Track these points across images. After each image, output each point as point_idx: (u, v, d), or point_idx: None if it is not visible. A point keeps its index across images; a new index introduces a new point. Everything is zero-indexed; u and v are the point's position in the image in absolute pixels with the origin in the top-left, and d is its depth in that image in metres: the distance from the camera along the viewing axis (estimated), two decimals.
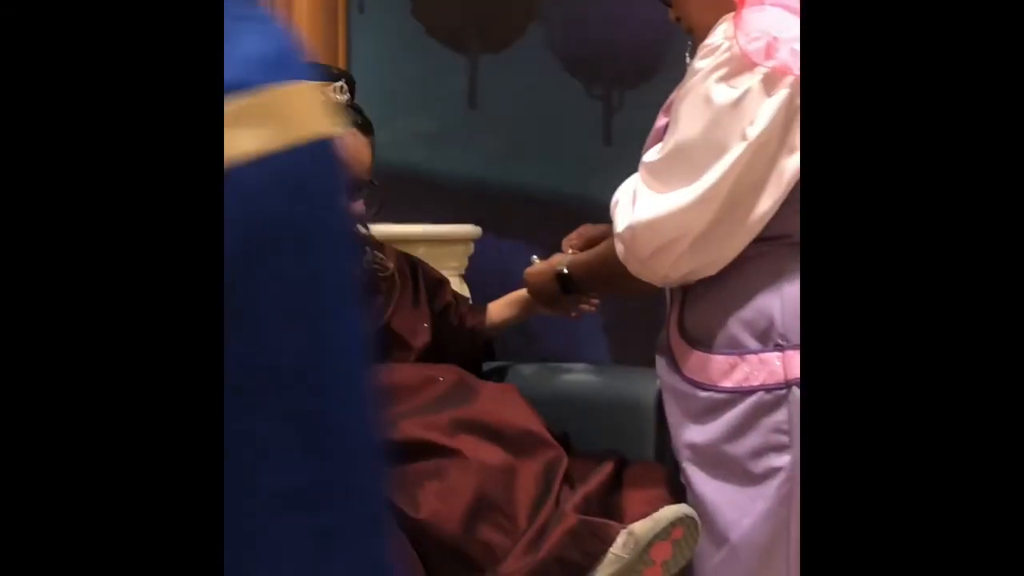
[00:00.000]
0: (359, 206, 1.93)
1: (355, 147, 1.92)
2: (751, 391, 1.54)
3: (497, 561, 1.54)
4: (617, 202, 1.62)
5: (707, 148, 1.50)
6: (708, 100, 1.51)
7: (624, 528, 1.55)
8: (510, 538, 1.56)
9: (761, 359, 1.54)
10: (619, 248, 1.60)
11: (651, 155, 1.58)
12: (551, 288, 1.83)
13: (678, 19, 1.71)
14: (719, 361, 1.57)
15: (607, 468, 1.65)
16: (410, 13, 2.55)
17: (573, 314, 1.93)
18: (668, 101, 1.66)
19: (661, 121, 1.66)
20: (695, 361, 1.60)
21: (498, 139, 2.99)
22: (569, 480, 1.65)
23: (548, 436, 1.71)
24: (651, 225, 1.54)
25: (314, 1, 2.56)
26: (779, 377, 1.53)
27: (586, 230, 1.88)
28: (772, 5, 1.62)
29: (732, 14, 1.54)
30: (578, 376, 1.95)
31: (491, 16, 3.02)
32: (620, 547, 1.54)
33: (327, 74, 1.96)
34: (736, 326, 1.57)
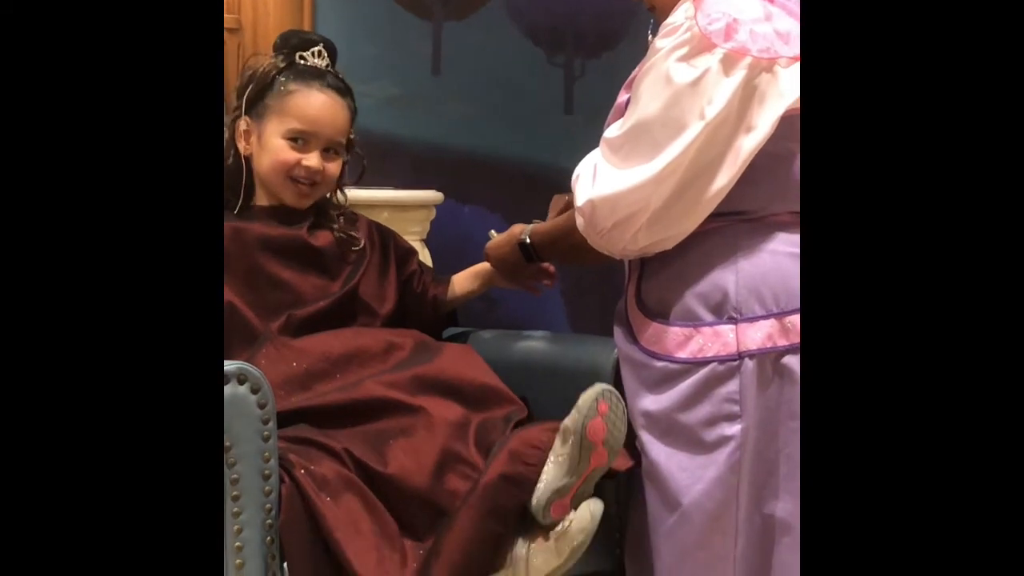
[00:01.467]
0: (338, 169, 1.94)
1: (334, 111, 1.92)
2: (705, 362, 1.57)
3: (457, 499, 1.57)
4: (578, 176, 1.64)
5: (666, 126, 1.53)
6: (668, 79, 1.53)
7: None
8: (474, 484, 1.58)
9: (715, 331, 1.58)
10: (579, 221, 1.62)
11: (612, 131, 1.61)
12: (513, 258, 1.85)
13: None
14: (675, 332, 1.61)
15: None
16: None
17: (533, 289, 1.95)
18: (630, 77, 1.68)
19: (622, 97, 1.68)
20: (651, 332, 1.63)
21: (461, 105, 3.00)
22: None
23: (508, 392, 1.74)
24: (610, 200, 1.57)
25: None
26: (732, 349, 1.56)
27: (557, 201, 1.91)
28: None
29: None
30: (537, 344, 1.96)
31: None
32: (558, 445, 1.57)
33: (304, 39, 1.96)
34: (692, 299, 1.60)
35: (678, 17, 1.56)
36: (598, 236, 1.61)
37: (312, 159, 1.89)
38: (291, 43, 1.94)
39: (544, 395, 1.83)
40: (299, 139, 1.89)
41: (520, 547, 1.57)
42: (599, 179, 1.59)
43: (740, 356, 1.56)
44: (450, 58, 3.03)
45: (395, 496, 1.58)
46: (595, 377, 1.76)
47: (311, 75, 1.91)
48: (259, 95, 1.89)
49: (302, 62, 1.91)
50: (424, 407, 1.65)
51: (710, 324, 1.58)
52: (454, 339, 2.02)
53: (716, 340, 1.57)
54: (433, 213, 2.80)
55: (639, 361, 1.64)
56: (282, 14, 2.77)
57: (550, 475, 1.56)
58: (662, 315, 1.63)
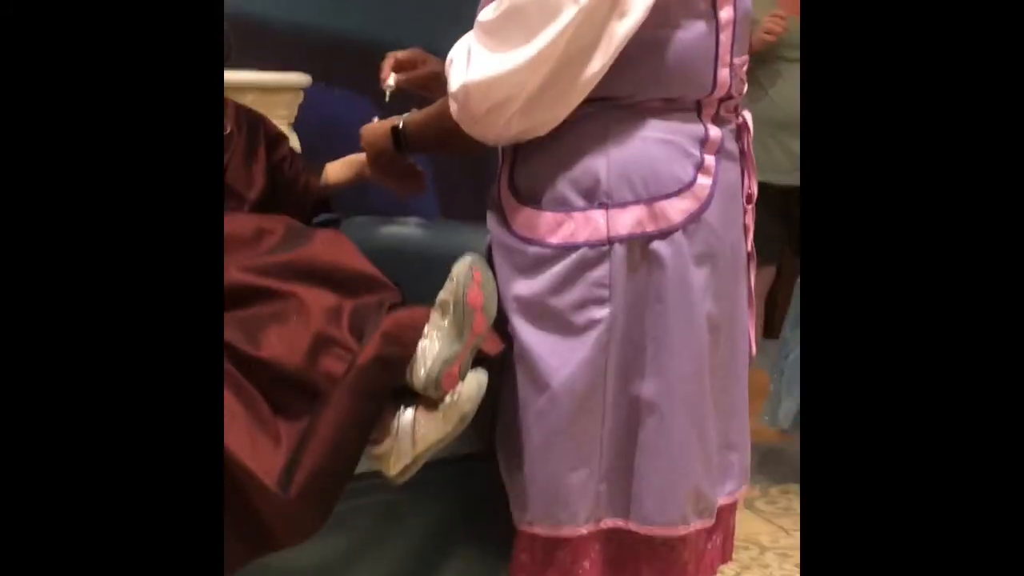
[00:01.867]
0: None
1: None
2: (575, 247, 1.59)
3: (333, 382, 1.58)
4: (451, 61, 1.62)
5: (541, 9, 1.51)
6: None
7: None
8: (349, 365, 1.59)
9: (586, 216, 1.59)
10: (453, 107, 1.61)
11: (486, 14, 1.58)
12: (384, 144, 1.83)
13: None
14: (547, 217, 1.62)
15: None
16: None
17: (401, 190, 1.92)
18: None
19: None
20: (524, 217, 1.64)
21: None
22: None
23: (382, 277, 1.74)
24: (484, 84, 1.55)
25: None
26: (602, 234, 1.58)
27: (417, 55, 1.88)
28: None
29: None
30: (410, 231, 1.96)
31: None
32: (438, 318, 1.59)
33: None
34: (564, 184, 1.61)
35: None
36: (472, 122, 1.59)
37: None
38: None
39: (417, 282, 1.83)
40: None
41: (405, 416, 1.59)
42: (473, 63, 1.57)
43: (610, 242, 1.58)
44: None
45: (267, 379, 1.57)
46: None
47: None
48: None
49: None
50: (296, 293, 1.64)
51: (581, 209, 1.60)
52: (326, 225, 2.00)
53: (587, 226, 1.59)
54: (301, 97, 2.73)
55: (511, 246, 1.65)
56: None
57: (437, 347, 1.57)
58: (534, 200, 1.64)
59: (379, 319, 1.63)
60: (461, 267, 1.58)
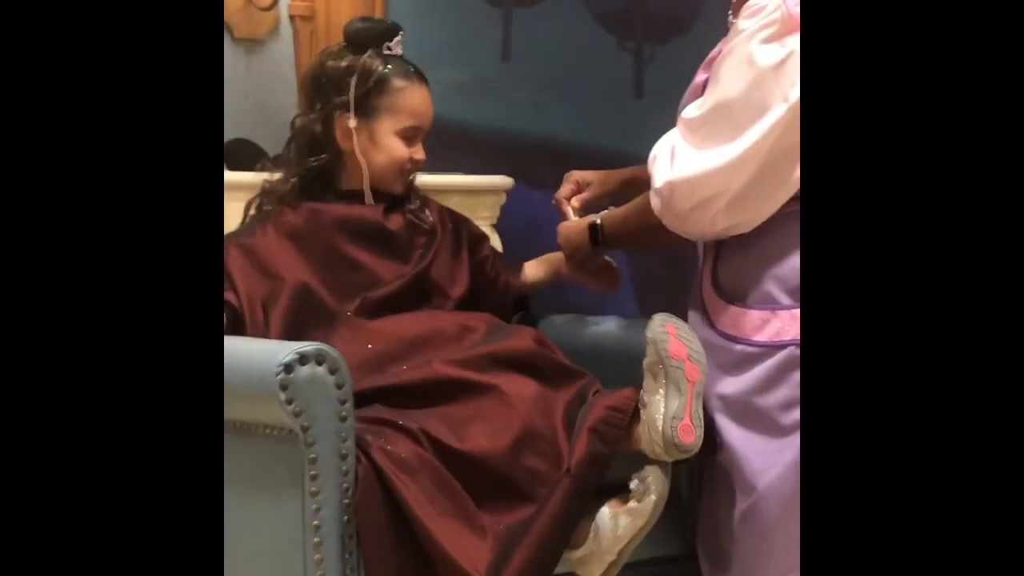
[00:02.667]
0: (420, 154, 1.96)
1: (430, 103, 1.95)
2: (782, 345, 1.57)
3: (540, 483, 1.59)
4: (655, 157, 1.63)
5: (748, 108, 1.52)
6: (751, 60, 1.52)
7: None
8: (553, 462, 1.60)
9: (793, 315, 1.57)
10: (655, 203, 1.62)
11: (691, 111, 1.60)
12: (581, 240, 1.85)
13: None
14: (752, 316, 1.60)
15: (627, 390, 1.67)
16: None
17: (598, 285, 1.94)
18: (709, 57, 1.66)
19: (701, 77, 1.67)
20: (729, 315, 1.62)
21: (531, 91, 3.00)
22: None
23: (581, 369, 1.74)
24: (690, 182, 1.56)
25: None
26: None
27: (577, 176, 1.91)
28: None
29: None
30: (606, 329, 1.96)
31: None
32: (651, 384, 1.57)
33: (386, 28, 1.98)
34: (770, 282, 1.59)
35: None
36: (676, 218, 1.60)
37: (419, 151, 1.95)
38: (374, 32, 1.95)
39: (615, 380, 1.83)
40: (411, 136, 1.93)
41: (602, 515, 1.58)
42: (678, 160, 1.58)
43: None
44: (520, 44, 3.03)
45: (472, 474, 1.59)
46: None
47: (408, 70, 1.95)
48: (366, 94, 1.91)
49: (387, 51, 1.94)
50: (498, 385, 1.66)
51: (788, 308, 1.57)
52: (525, 322, 2.03)
53: (794, 323, 1.56)
54: (503, 198, 2.81)
55: (716, 344, 1.63)
56: (354, 1, 2.79)
57: (662, 408, 1.55)
58: (739, 298, 1.62)
59: (583, 413, 1.64)
60: (653, 328, 1.58)
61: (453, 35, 2.95)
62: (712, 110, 1.56)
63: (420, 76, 1.96)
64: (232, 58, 2.85)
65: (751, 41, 1.53)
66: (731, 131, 1.53)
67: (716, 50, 1.63)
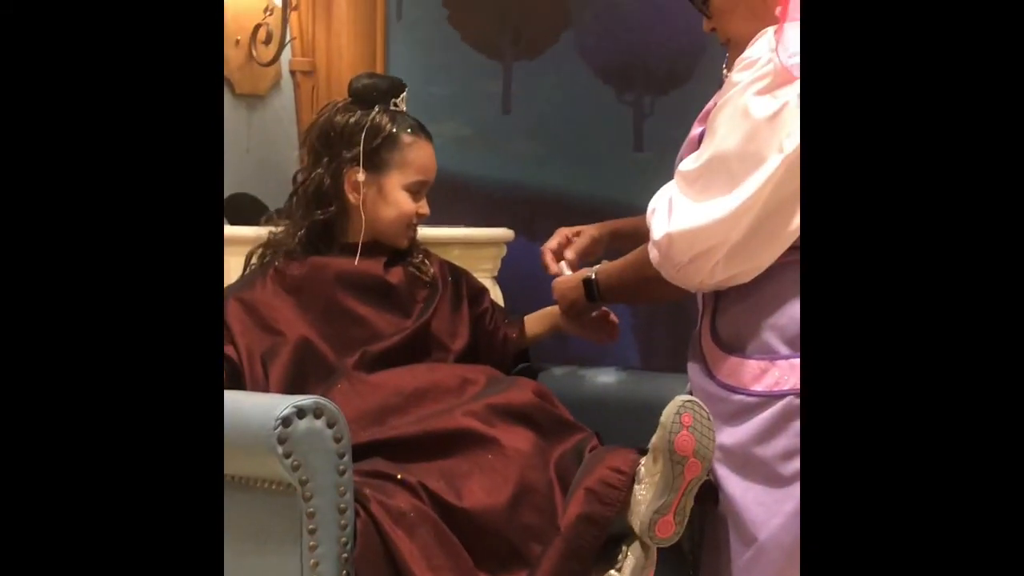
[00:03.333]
0: (425, 208, 1.97)
1: (429, 153, 1.97)
2: (781, 395, 1.57)
3: (535, 540, 1.59)
4: (654, 211, 1.64)
5: (744, 159, 1.53)
6: (746, 112, 1.54)
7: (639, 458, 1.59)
8: (547, 518, 1.60)
9: (791, 364, 1.57)
10: (654, 255, 1.63)
11: (687, 164, 1.61)
12: (575, 295, 1.85)
13: (714, 30, 1.74)
14: (751, 365, 1.60)
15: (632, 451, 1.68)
16: (446, 20, 2.59)
17: (596, 337, 1.93)
18: (704, 110, 1.68)
19: (697, 130, 1.68)
20: (728, 365, 1.63)
21: (531, 144, 3.02)
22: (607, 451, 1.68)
23: (577, 422, 1.75)
24: (688, 234, 1.57)
25: (354, 9, 2.60)
26: None
27: (566, 231, 1.92)
28: None
29: (774, 27, 1.57)
30: (607, 379, 1.96)
31: (525, 23, 3.05)
32: (650, 464, 1.57)
33: (392, 84, 2.00)
34: (768, 332, 1.60)
35: (758, 50, 1.57)
36: (675, 270, 1.61)
37: (424, 206, 1.97)
38: (380, 88, 1.97)
39: (616, 431, 1.83)
40: (418, 191, 1.96)
41: None
42: (675, 213, 1.59)
43: None
44: (520, 97, 3.06)
45: (469, 530, 1.59)
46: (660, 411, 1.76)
47: (415, 126, 1.97)
48: (376, 150, 1.93)
49: (394, 107, 1.96)
50: (497, 438, 1.66)
51: (786, 357, 1.58)
52: (526, 373, 2.03)
53: (792, 373, 1.56)
54: (504, 251, 2.82)
55: (715, 395, 1.63)
56: (355, 57, 2.82)
57: (649, 496, 1.56)
58: (738, 348, 1.63)
59: (581, 471, 1.64)
60: (669, 412, 1.56)
61: (453, 89, 2.98)
62: (709, 162, 1.57)
63: (426, 132, 1.99)
64: (233, 113, 2.87)
65: (745, 93, 1.55)
66: (728, 183, 1.54)
67: (711, 103, 1.65)
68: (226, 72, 2.86)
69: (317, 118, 2.01)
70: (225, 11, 2.81)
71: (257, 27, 2.85)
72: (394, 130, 1.93)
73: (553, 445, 1.69)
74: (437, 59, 2.73)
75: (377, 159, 1.93)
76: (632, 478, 1.59)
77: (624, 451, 1.63)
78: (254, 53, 2.86)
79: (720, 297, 1.67)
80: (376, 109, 1.94)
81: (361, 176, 1.92)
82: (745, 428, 1.59)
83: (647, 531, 1.55)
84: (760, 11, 1.66)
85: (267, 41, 2.85)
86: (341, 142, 1.93)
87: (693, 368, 1.70)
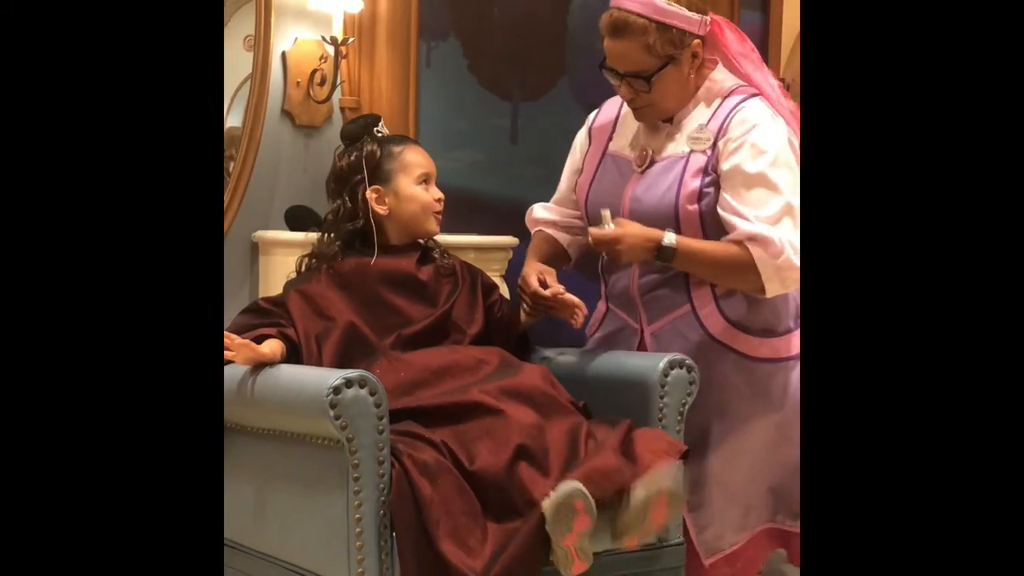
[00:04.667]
0: (439, 194, 1.94)
1: (419, 150, 1.96)
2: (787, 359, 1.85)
3: (530, 494, 1.57)
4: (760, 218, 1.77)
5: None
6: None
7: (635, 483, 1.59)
8: (543, 474, 1.59)
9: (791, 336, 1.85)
10: (761, 252, 1.74)
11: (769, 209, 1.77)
12: (647, 251, 1.78)
13: (634, 101, 1.83)
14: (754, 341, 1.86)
15: (622, 428, 1.67)
16: (466, 68, 2.58)
17: (573, 321, 1.89)
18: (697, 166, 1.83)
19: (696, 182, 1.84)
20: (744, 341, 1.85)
21: (534, 168, 3.02)
22: (592, 437, 1.67)
23: (571, 407, 1.74)
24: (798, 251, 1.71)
25: (392, 58, 2.60)
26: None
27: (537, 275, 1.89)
28: (727, 66, 1.87)
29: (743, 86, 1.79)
30: (596, 358, 1.95)
31: (529, 71, 3.05)
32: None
33: (368, 120, 1.99)
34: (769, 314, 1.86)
35: (762, 108, 1.83)
36: (783, 271, 1.72)
37: (437, 191, 1.95)
38: (366, 124, 1.97)
39: (602, 401, 1.83)
40: (426, 181, 1.93)
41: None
42: (791, 235, 1.73)
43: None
44: (525, 130, 3.06)
45: (478, 487, 1.60)
46: (643, 385, 1.76)
47: (399, 139, 1.98)
48: (377, 167, 1.92)
49: (379, 134, 1.96)
50: (504, 410, 1.66)
51: (782, 334, 1.87)
52: (529, 355, 2.02)
53: (793, 342, 1.83)
54: (511, 254, 2.82)
55: (726, 360, 1.85)
56: (392, 96, 2.81)
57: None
58: (745, 328, 1.86)
59: (598, 447, 1.64)
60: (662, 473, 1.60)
61: (470, 123, 2.98)
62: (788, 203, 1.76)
63: (410, 139, 2.00)
64: (293, 140, 2.87)
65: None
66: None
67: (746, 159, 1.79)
68: (288, 107, 2.86)
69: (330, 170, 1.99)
70: (288, 57, 2.81)
71: (314, 71, 2.85)
72: (384, 148, 1.93)
73: (551, 423, 1.67)
74: (458, 99, 2.73)
75: (382, 173, 1.91)
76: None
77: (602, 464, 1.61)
78: (311, 92, 2.86)
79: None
80: (363, 140, 1.94)
81: (372, 194, 1.90)
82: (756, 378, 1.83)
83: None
84: (688, 87, 1.82)
85: (322, 83, 2.85)
86: (350, 175, 1.92)
87: (692, 337, 1.84)
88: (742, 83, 1.86)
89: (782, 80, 2.98)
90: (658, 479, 1.58)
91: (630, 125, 1.92)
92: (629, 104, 1.86)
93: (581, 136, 2.03)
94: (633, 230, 1.79)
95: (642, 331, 1.90)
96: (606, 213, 1.81)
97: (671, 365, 1.77)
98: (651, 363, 1.79)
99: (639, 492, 1.57)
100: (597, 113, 2.02)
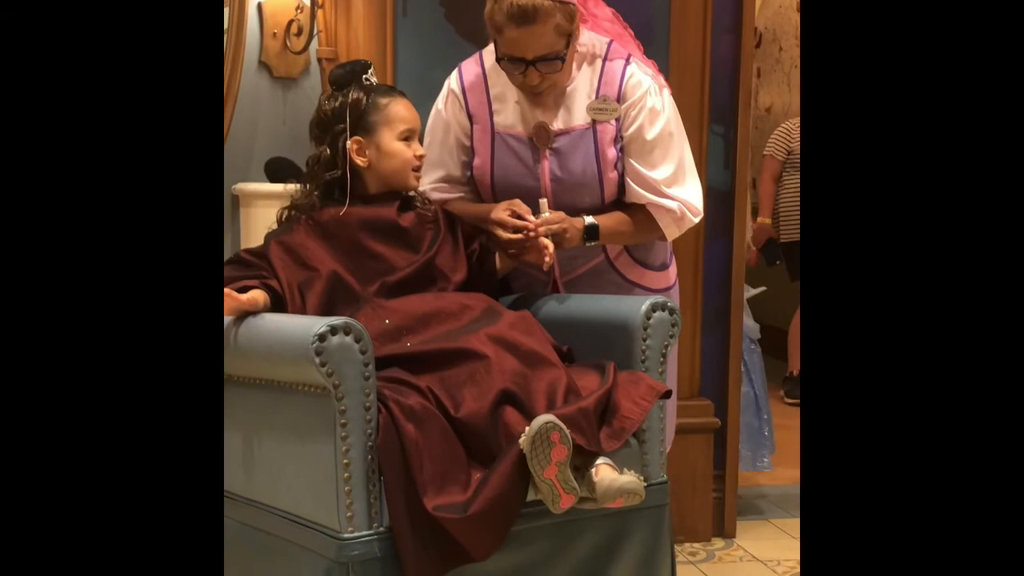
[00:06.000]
0: (420, 150, 1.93)
1: (406, 105, 1.93)
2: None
3: (511, 436, 1.58)
4: (663, 191, 1.95)
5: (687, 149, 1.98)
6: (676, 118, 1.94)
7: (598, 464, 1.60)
8: (524, 419, 1.59)
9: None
10: (680, 218, 1.94)
11: (664, 172, 1.93)
12: (580, 232, 1.91)
13: (539, 85, 1.89)
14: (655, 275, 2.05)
15: (603, 389, 1.67)
16: (443, 17, 2.54)
17: (537, 260, 1.91)
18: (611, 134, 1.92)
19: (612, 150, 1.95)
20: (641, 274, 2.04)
21: None
22: (574, 392, 1.67)
23: (552, 358, 1.72)
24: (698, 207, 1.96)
25: (368, 7, 2.55)
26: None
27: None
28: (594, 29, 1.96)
29: (621, 64, 1.91)
30: (578, 303, 1.95)
31: None
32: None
33: (359, 65, 1.96)
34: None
35: (643, 77, 1.93)
36: (688, 222, 1.96)
37: (419, 148, 1.94)
38: (355, 71, 1.94)
39: (586, 343, 1.83)
40: (409, 137, 1.91)
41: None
42: (690, 195, 1.95)
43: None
44: None
45: (463, 432, 1.60)
46: (625, 328, 1.77)
47: (389, 90, 1.95)
48: (360, 117, 1.89)
49: (368, 82, 1.92)
50: (489, 356, 1.65)
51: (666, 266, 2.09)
52: (516, 301, 2.01)
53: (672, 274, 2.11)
54: None
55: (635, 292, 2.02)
56: (369, 46, 2.76)
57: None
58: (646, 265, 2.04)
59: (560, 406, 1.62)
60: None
61: (447, 73, 2.93)
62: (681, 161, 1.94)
63: (399, 92, 1.96)
64: (271, 92, 2.83)
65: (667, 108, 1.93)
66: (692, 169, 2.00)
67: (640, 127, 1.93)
68: (265, 58, 2.81)
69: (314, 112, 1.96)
70: (264, 8, 2.75)
71: (290, 22, 2.80)
72: (370, 98, 1.90)
73: (535, 373, 1.67)
74: (435, 49, 2.68)
75: (366, 124, 1.89)
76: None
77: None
78: (288, 43, 2.82)
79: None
80: (350, 88, 1.90)
81: (353, 145, 1.88)
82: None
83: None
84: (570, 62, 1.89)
85: (299, 33, 2.80)
86: (332, 121, 1.90)
87: (610, 280, 1.99)
88: (605, 42, 1.94)
89: (755, 29, 2.98)
90: (617, 484, 1.57)
91: (507, 100, 1.96)
92: (533, 89, 1.89)
93: (454, 115, 2.00)
94: (567, 217, 1.92)
95: (555, 280, 2.01)
96: (543, 202, 1.91)
97: (653, 308, 1.78)
98: (633, 306, 1.80)
99: (600, 490, 1.56)
100: (462, 92, 1.99)
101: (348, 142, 1.88)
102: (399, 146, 1.90)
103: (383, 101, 1.90)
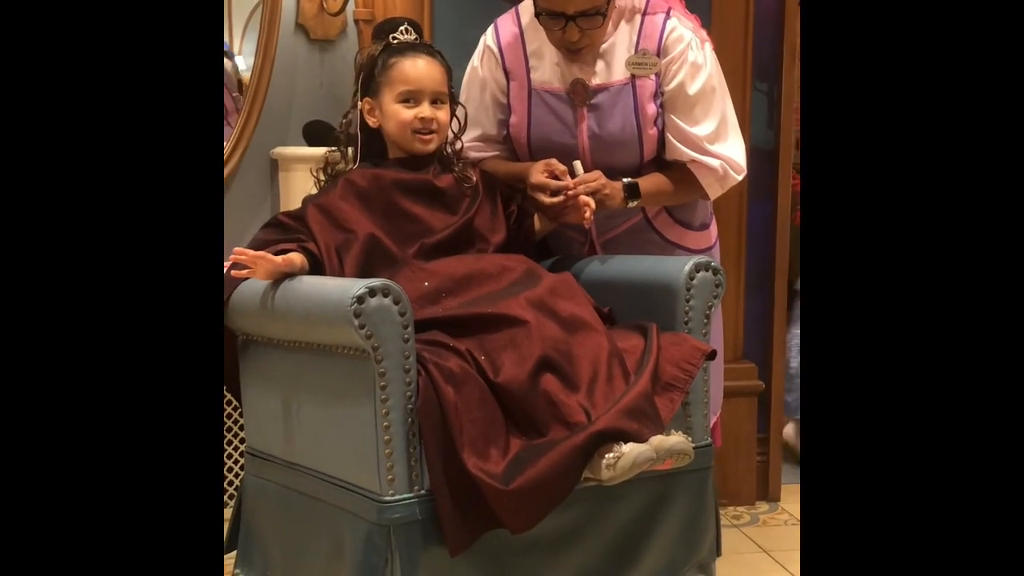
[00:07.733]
0: (447, 116, 1.89)
1: (429, 69, 1.87)
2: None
3: (553, 405, 1.54)
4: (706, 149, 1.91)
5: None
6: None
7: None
8: (569, 388, 1.56)
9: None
10: (725, 176, 1.91)
11: (707, 128, 1.89)
12: (619, 192, 1.87)
13: (579, 41, 1.85)
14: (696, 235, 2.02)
15: (652, 363, 1.62)
16: None
17: (586, 224, 1.86)
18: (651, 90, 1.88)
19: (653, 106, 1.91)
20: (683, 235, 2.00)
21: None
22: (616, 354, 1.62)
23: (594, 322, 1.67)
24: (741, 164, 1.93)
25: None
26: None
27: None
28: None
29: (662, 18, 1.88)
30: (620, 264, 1.91)
31: None
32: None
33: (393, 23, 1.92)
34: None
35: (684, 32, 1.88)
36: (731, 180, 1.92)
37: (424, 110, 1.85)
38: (384, 29, 1.91)
39: (628, 305, 1.80)
40: (409, 99, 1.86)
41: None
42: (735, 152, 1.91)
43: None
44: None
45: (503, 395, 1.56)
46: (668, 289, 1.72)
47: (404, 48, 1.88)
48: (369, 77, 1.86)
49: (395, 41, 1.88)
50: (529, 321, 1.62)
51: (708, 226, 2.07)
52: (556, 263, 1.98)
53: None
54: None
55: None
56: (406, 7, 2.72)
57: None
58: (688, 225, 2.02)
59: (621, 395, 1.57)
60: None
61: (483, 31, 2.88)
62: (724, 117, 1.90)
63: (415, 49, 1.87)
64: (308, 55, 2.80)
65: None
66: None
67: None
68: (302, 20, 2.78)
69: None
70: None
71: None
72: (378, 55, 1.86)
73: (576, 338, 1.63)
74: (473, 7, 2.62)
75: (373, 84, 1.86)
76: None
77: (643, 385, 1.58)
78: (325, 5, 2.77)
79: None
80: (371, 46, 1.87)
81: (364, 105, 1.86)
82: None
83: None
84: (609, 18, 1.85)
85: None
86: (355, 82, 1.88)
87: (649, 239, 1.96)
88: None
89: None
90: (667, 445, 1.52)
91: (544, 56, 1.91)
92: (572, 46, 1.84)
93: (491, 72, 1.97)
94: (604, 177, 1.87)
95: (592, 241, 1.98)
96: (578, 164, 1.87)
97: (696, 268, 1.74)
98: (676, 266, 1.75)
99: (621, 467, 1.51)
100: (498, 48, 1.96)
101: (360, 103, 1.85)
102: (396, 108, 1.85)
103: (391, 61, 1.86)
